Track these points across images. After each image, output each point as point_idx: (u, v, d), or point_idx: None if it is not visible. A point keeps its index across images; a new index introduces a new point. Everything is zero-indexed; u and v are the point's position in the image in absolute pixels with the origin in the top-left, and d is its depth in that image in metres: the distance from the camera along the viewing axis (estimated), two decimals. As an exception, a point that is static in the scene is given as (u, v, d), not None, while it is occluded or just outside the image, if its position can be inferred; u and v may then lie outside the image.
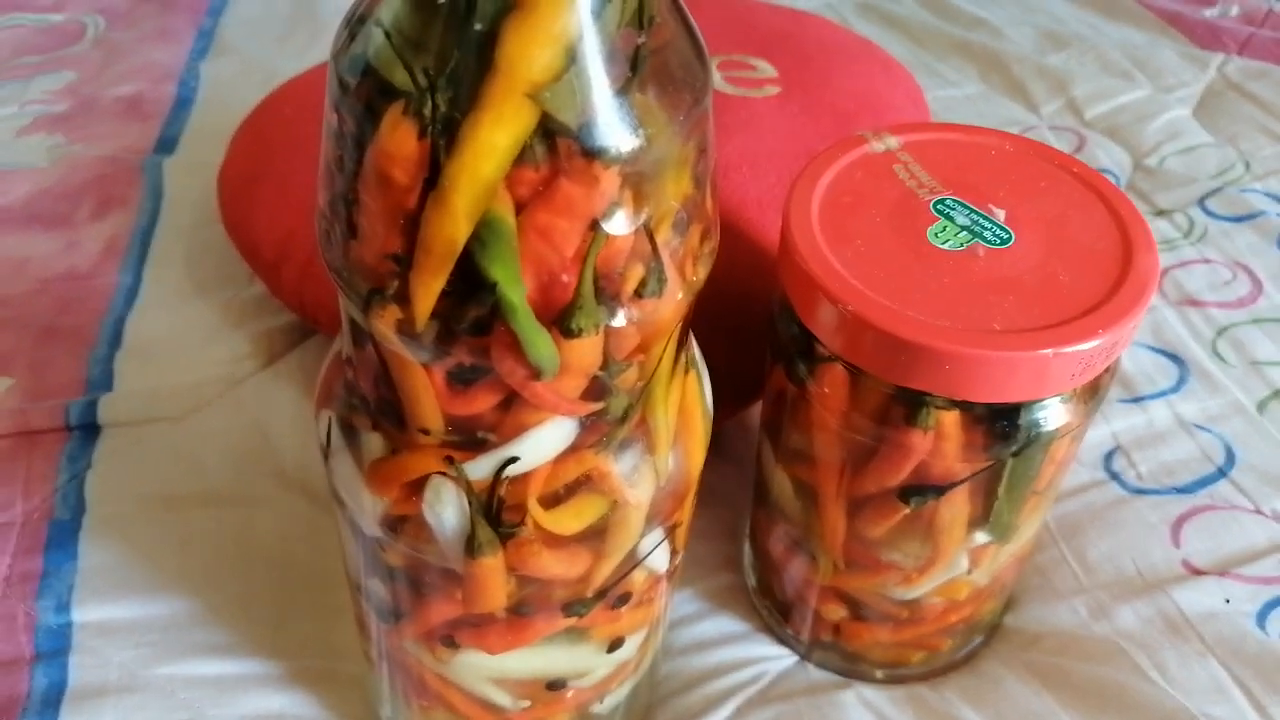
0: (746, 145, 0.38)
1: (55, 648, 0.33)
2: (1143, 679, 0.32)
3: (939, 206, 0.27)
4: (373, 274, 0.20)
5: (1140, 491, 0.37)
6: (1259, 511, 0.36)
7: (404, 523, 0.23)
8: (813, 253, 0.26)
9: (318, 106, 0.20)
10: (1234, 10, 0.62)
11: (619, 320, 0.20)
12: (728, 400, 0.37)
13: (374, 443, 0.23)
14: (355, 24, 0.19)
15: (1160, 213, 0.49)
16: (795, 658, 0.35)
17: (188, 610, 0.34)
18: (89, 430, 0.40)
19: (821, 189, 0.27)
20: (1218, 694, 0.31)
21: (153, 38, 0.66)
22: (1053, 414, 0.26)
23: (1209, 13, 0.63)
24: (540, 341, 0.19)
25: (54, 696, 0.32)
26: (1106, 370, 0.27)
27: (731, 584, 0.36)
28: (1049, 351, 0.23)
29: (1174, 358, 0.42)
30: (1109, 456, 0.39)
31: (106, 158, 0.55)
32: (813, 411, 0.28)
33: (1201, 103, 0.56)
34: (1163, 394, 0.40)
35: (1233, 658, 0.32)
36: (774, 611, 0.35)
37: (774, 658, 0.34)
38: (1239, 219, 0.48)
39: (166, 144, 0.56)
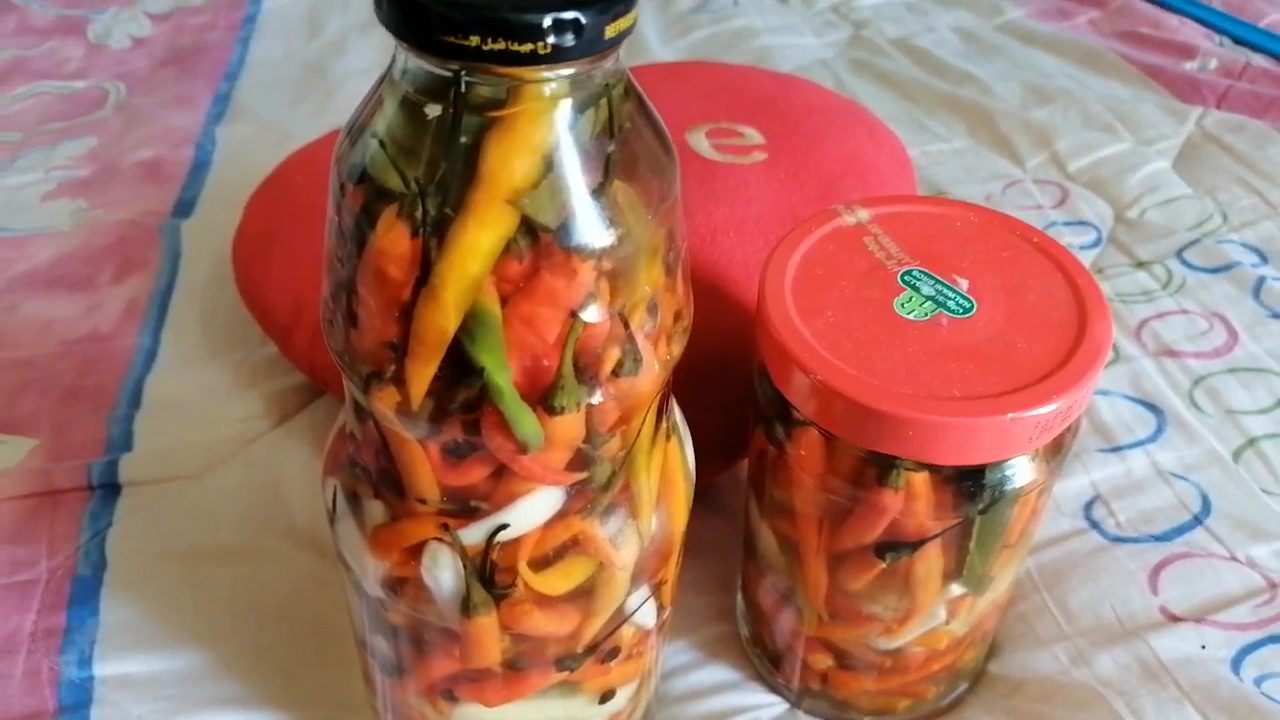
0: (733, 212, 0.40)
1: (78, 701, 0.34)
2: (1120, 724, 0.33)
3: (906, 277, 0.29)
4: (371, 359, 0.22)
5: (1119, 540, 0.39)
6: (1234, 559, 0.38)
7: (404, 584, 0.25)
8: (785, 324, 0.27)
9: (326, 174, 0.22)
10: (1213, 64, 0.64)
11: (598, 398, 0.21)
12: (717, 457, 0.39)
13: (375, 510, 0.24)
14: (355, 133, 0.21)
15: (1140, 264, 0.50)
16: (786, 705, 0.36)
17: (202, 664, 0.36)
18: (110, 489, 0.42)
19: (795, 261, 0.29)
20: (1192, 739, 0.32)
21: (171, 103, 0.69)
22: (1017, 473, 0.27)
23: (1189, 66, 0.65)
24: (526, 420, 0.21)
25: (76, 749, 0.33)
26: (1068, 430, 0.28)
27: (725, 634, 0.38)
28: (1007, 416, 0.25)
29: (1152, 407, 0.43)
30: (1089, 505, 0.40)
31: (126, 221, 0.57)
32: (791, 472, 0.30)
33: (1181, 155, 0.58)
34: (1141, 444, 0.42)
35: (1207, 703, 0.33)
36: (765, 661, 0.36)
37: (766, 705, 0.36)
38: (1215, 270, 0.49)
39: (184, 207, 0.59)
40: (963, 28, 0.73)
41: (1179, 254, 0.50)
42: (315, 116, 0.66)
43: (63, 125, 0.67)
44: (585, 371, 0.21)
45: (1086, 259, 0.51)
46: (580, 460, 0.23)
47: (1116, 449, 0.42)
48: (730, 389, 0.35)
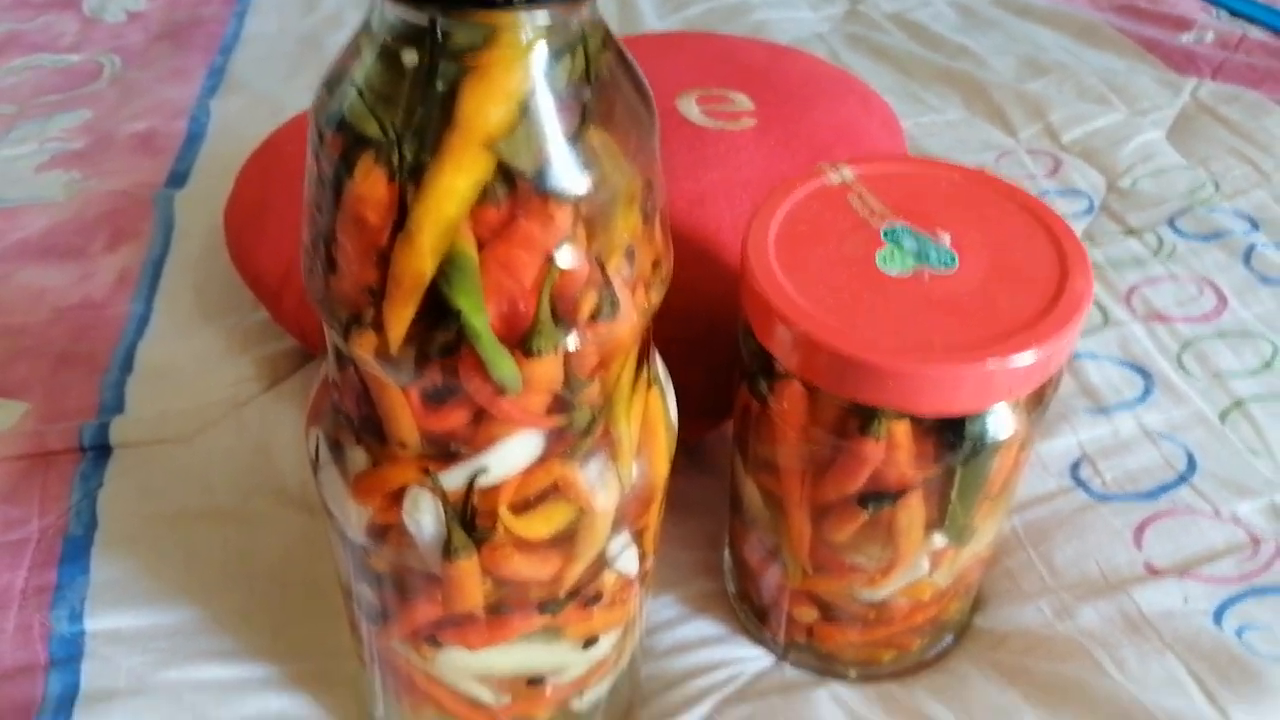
0: (723, 177, 0.40)
1: (68, 655, 0.35)
2: (1102, 675, 0.33)
3: (888, 233, 0.29)
4: (351, 304, 0.22)
5: (1105, 498, 0.39)
6: (1218, 515, 0.38)
7: (387, 531, 0.25)
8: (768, 278, 0.27)
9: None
10: (1209, 36, 0.64)
11: (576, 342, 0.22)
12: (704, 416, 0.39)
13: (358, 457, 0.25)
14: (333, 83, 0.21)
15: (1131, 232, 0.50)
16: (772, 659, 0.36)
17: (193, 619, 0.36)
18: (101, 451, 0.42)
19: (779, 219, 0.29)
20: (1173, 687, 0.33)
21: (166, 76, 0.69)
22: (997, 424, 0.27)
23: (1185, 38, 0.65)
24: (503, 362, 0.21)
25: (67, 700, 0.34)
26: (1049, 384, 0.29)
27: (712, 590, 0.38)
28: (987, 366, 0.25)
29: (1140, 370, 0.43)
30: (1076, 465, 0.40)
31: (120, 192, 0.57)
32: (775, 425, 0.30)
33: (1175, 126, 0.58)
34: (1128, 405, 0.42)
35: (1189, 653, 0.34)
36: (752, 615, 0.37)
37: (752, 658, 0.36)
38: (1207, 237, 0.49)
39: (177, 178, 0.59)
40: (959, 2, 0.73)
41: (1170, 222, 0.50)
42: (310, 90, 0.65)
43: (58, 98, 0.67)
44: (562, 316, 0.21)
45: (1078, 227, 0.51)
46: (559, 404, 0.23)
47: (1104, 410, 0.42)
48: (718, 350, 0.35)
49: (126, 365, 0.46)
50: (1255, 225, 0.50)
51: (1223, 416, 0.42)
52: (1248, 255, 0.48)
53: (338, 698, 0.35)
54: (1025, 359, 0.25)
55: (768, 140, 0.42)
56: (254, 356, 0.46)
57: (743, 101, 0.44)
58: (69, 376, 0.46)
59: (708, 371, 0.35)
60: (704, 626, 0.37)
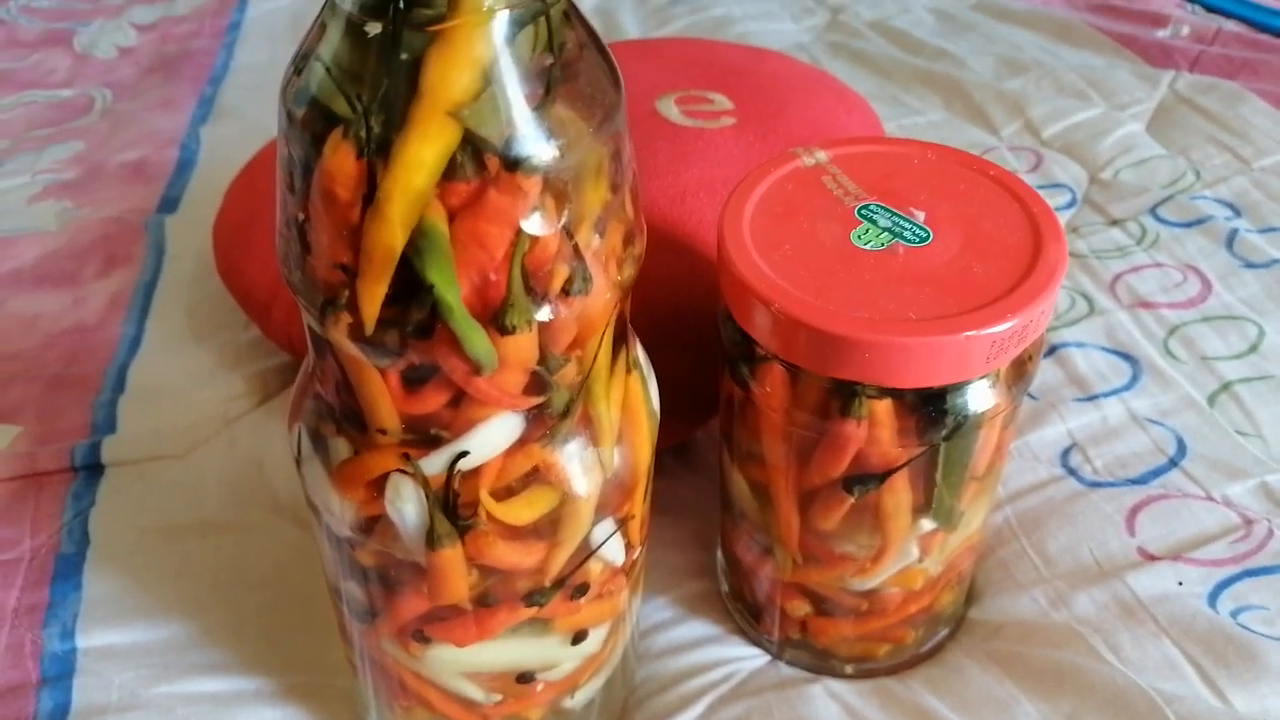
0: (703, 173, 0.40)
1: (60, 672, 0.35)
2: (1098, 660, 0.33)
3: (863, 211, 0.29)
4: (326, 286, 0.22)
5: (1096, 485, 0.39)
6: (1210, 498, 0.38)
7: (371, 523, 0.25)
8: (744, 260, 0.28)
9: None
10: (1185, 30, 0.65)
11: (549, 315, 0.22)
12: (691, 412, 0.39)
13: (340, 447, 0.25)
14: (300, 61, 0.21)
15: (1114, 222, 0.51)
16: (767, 657, 0.36)
17: (186, 633, 0.36)
18: (94, 470, 0.42)
19: (754, 202, 0.30)
20: (1170, 671, 0.32)
21: (156, 106, 0.70)
22: (977, 397, 0.27)
23: (1161, 34, 0.65)
24: (477, 338, 0.21)
25: (59, 717, 0.33)
26: (1029, 356, 0.29)
27: (705, 590, 0.38)
28: (962, 335, 0.25)
29: (1127, 357, 0.43)
30: (1066, 453, 0.40)
31: (112, 219, 0.58)
32: (758, 412, 0.30)
33: (1154, 118, 0.58)
34: (1116, 392, 0.42)
35: (1184, 636, 0.33)
36: (746, 614, 0.36)
37: (747, 658, 0.36)
38: (1189, 224, 0.50)
39: (169, 204, 0.59)
40: (938, 8, 0.73)
41: (1152, 210, 0.51)
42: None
43: (49, 131, 0.68)
44: (535, 290, 0.22)
45: (1061, 220, 0.51)
46: (536, 384, 0.23)
47: (1092, 398, 0.42)
48: (702, 346, 0.35)
49: (119, 385, 0.46)
50: (1237, 211, 0.50)
51: (1211, 400, 0.41)
52: (1230, 240, 0.49)
53: (332, 710, 0.34)
54: (1002, 327, 0.25)
55: (746, 137, 0.42)
56: (245, 373, 0.46)
57: (722, 101, 0.44)
58: (61, 399, 0.46)
59: (693, 366, 0.35)
60: (698, 627, 0.37)
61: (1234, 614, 0.34)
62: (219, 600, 0.37)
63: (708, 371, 0.35)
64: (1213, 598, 0.34)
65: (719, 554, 0.38)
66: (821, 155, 0.31)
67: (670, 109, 0.44)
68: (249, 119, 0.68)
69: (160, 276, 0.53)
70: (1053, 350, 0.44)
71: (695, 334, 0.36)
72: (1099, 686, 0.32)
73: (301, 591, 0.37)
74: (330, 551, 0.27)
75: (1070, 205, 0.52)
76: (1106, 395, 0.42)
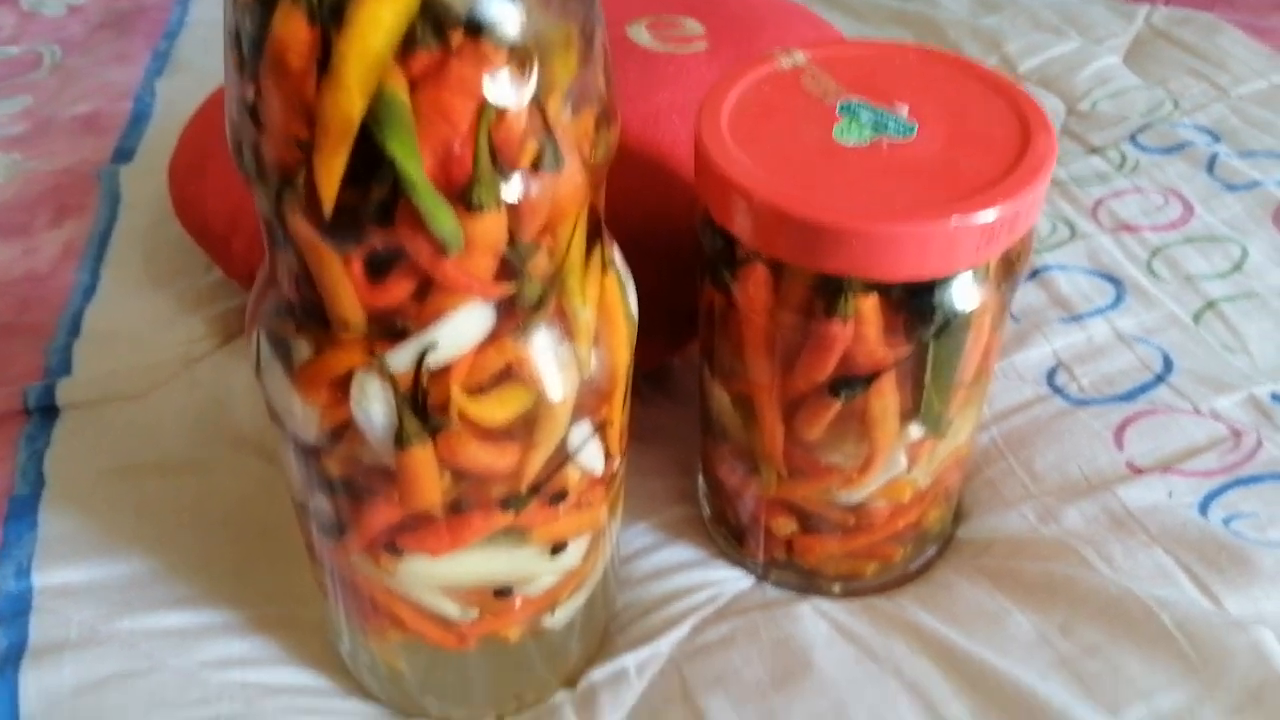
0: (675, 96, 0.39)
1: (15, 610, 0.33)
2: (1090, 570, 0.32)
3: (844, 108, 0.28)
4: (281, 167, 0.21)
5: (1083, 403, 0.38)
6: (1198, 412, 0.37)
7: (338, 429, 0.24)
8: (723, 155, 0.27)
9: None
10: (1158, -36, 0.64)
11: (517, 192, 0.21)
12: (669, 334, 0.38)
13: (301, 348, 0.23)
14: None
15: (1093, 150, 0.50)
16: (752, 580, 0.35)
17: (148, 569, 0.35)
18: (47, 413, 0.40)
19: (731, 101, 0.28)
20: (1163, 578, 0.32)
21: (109, 61, 0.68)
22: (966, 293, 0.27)
23: (1135, -31, 0.65)
24: (442, 214, 0.20)
25: (14, 655, 0.32)
26: (1018, 254, 0.28)
27: (687, 515, 0.37)
28: (951, 223, 0.24)
29: (1110, 278, 0.43)
30: (1051, 373, 0.39)
31: (63, 170, 0.56)
32: (741, 318, 0.29)
33: (1130, 51, 0.58)
34: (1100, 311, 0.41)
35: (1176, 545, 0.33)
36: (729, 537, 0.36)
37: (731, 580, 0.35)
38: (1169, 150, 0.49)
39: (123, 154, 0.57)
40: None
41: (1132, 138, 0.50)
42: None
43: (-4, 86, 0.65)
44: (503, 165, 0.20)
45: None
46: (506, 270, 0.22)
47: (1077, 318, 0.41)
48: (679, 266, 0.34)
49: (73, 330, 0.44)
50: (1216, 137, 0.50)
51: (1196, 317, 0.41)
52: (1210, 165, 0.48)
53: (301, 639, 0.33)
54: (992, 214, 0.25)
55: (719, 61, 0.41)
56: (205, 315, 0.44)
57: (693, 27, 0.43)
58: (13, 345, 0.44)
59: (669, 287, 0.34)
60: (681, 552, 0.36)
61: (1225, 521, 0.33)
62: (182, 536, 0.36)
63: (684, 292, 0.34)
64: (1203, 507, 0.34)
65: (700, 480, 0.37)
66: (800, 57, 0.30)
67: (641, 34, 0.42)
68: (206, 72, 0.65)
69: (115, 225, 0.51)
70: (1035, 274, 0.43)
71: (671, 254, 0.35)
72: (1092, 595, 0.32)
73: (267, 525, 0.36)
74: (296, 466, 0.26)
75: (1048, 135, 0.52)
76: (1091, 315, 0.41)
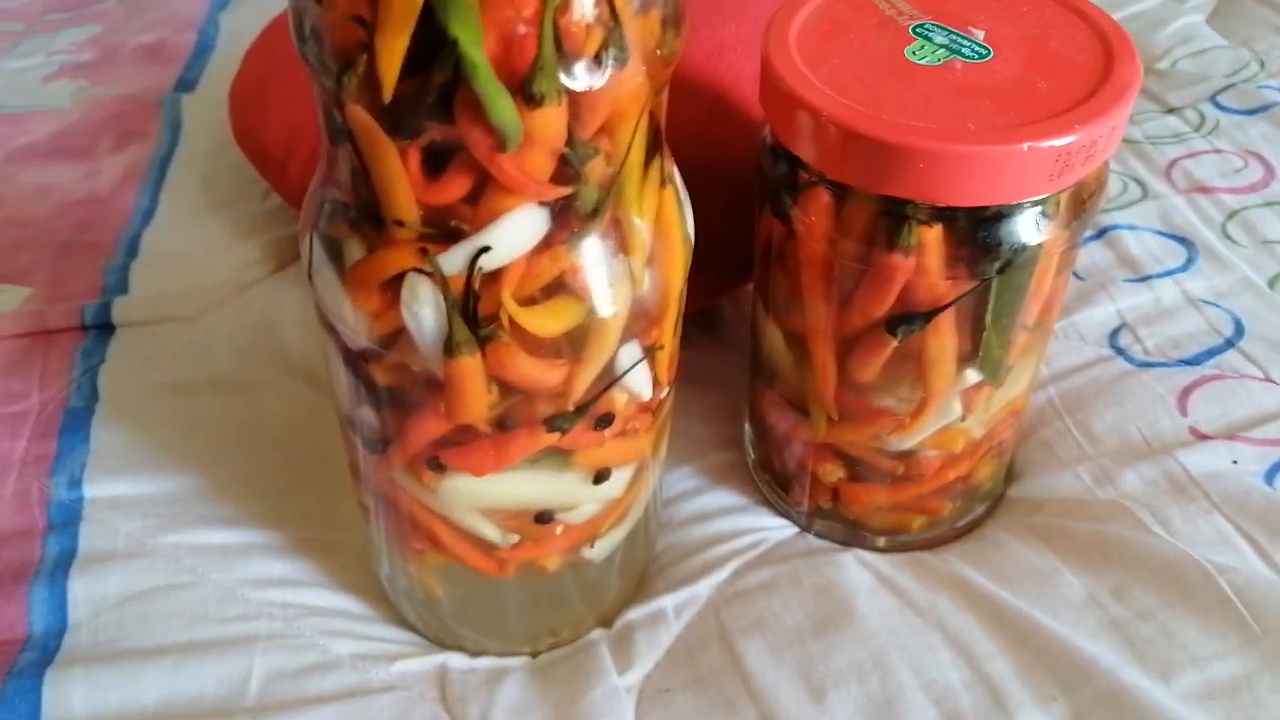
0: (741, 28, 0.38)
1: (66, 519, 0.34)
2: (1146, 533, 0.31)
3: (918, 29, 0.27)
4: (342, 50, 0.20)
5: (1146, 365, 0.37)
6: (1268, 379, 0.36)
7: (388, 337, 0.23)
8: (790, 70, 0.26)
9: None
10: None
11: (580, 84, 0.20)
12: (723, 271, 0.38)
13: (354, 248, 0.23)
14: None
15: (1171, 110, 0.48)
16: (795, 529, 0.34)
17: (194, 486, 0.35)
18: (103, 330, 0.41)
19: (800, 20, 0.28)
20: (1223, 544, 0.31)
21: (175, -7, 0.68)
22: (1033, 228, 0.26)
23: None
24: (502, 103, 0.20)
25: (65, 561, 0.32)
26: (1090, 195, 0.27)
27: (731, 462, 0.36)
28: (1023, 146, 0.23)
29: (1182, 240, 0.41)
30: (1115, 333, 0.38)
31: (127, 96, 0.56)
32: (800, 247, 0.28)
33: (1216, 10, 0.55)
34: (1170, 273, 0.40)
35: (1239, 512, 0.32)
36: (774, 486, 0.35)
37: (774, 528, 0.34)
38: (1252, 111, 0.47)
39: (186, 84, 0.58)
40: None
41: (1212, 98, 0.48)
42: None
43: (64, 15, 0.66)
44: (567, 55, 0.20)
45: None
46: (563, 172, 0.21)
47: (1144, 279, 0.40)
48: (737, 202, 0.33)
49: (131, 251, 0.45)
50: (1304, 101, 0.48)
51: (1272, 283, 0.39)
52: (1297, 128, 0.46)
53: (341, 563, 0.33)
54: (1067, 139, 0.23)
55: (788, -5, 0.40)
56: (260, 241, 0.45)
57: (762, -38, 0.42)
58: (73, 263, 0.45)
59: (726, 223, 0.33)
60: (724, 497, 0.35)
61: (1292, 491, 0.32)
62: (229, 456, 0.36)
63: (740, 231, 0.33)
64: (1270, 476, 0.33)
65: (746, 427, 0.36)
66: (873, -23, 0.29)
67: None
68: (269, 5, 0.65)
69: (176, 151, 0.52)
70: (1103, 232, 0.42)
71: (730, 191, 0.34)
72: (1147, 558, 0.31)
73: (314, 451, 0.36)
74: (344, 375, 0.26)
75: (1124, 95, 0.50)
76: (1159, 276, 0.40)
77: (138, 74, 0.59)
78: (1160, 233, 0.42)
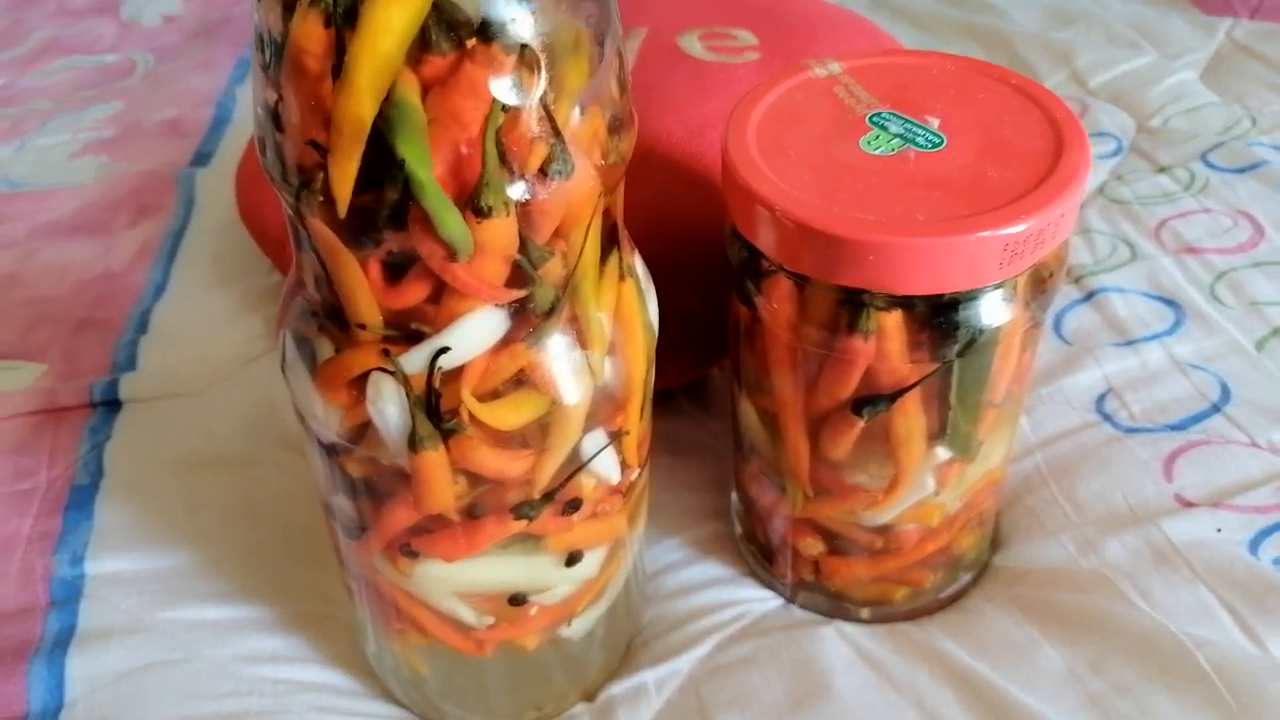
0: (723, 107, 0.39)
1: (68, 596, 0.35)
2: (1127, 605, 0.31)
3: (874, 119, 0.28)
4: (300, 168, 0.21)
5: (1132, 430, 0.37)
6: (1255, 444, 0.36)
7: (357, 430, 0.24)
8: (747, 165, 0.26)
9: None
10: (1245, -22, 0.62)
11: (525, 194, 0.21)
12: (705, 349, 0.38)
13: (323, 347, 0.24)
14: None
15: (1161, 169, 0.48)
16: (780, 600, 0.35)
17: (192, 562, 0.36)
18: (112, 406, 0.42)
19: (761, 110, 0.28)
20: (1204, 616, 0.31)
21: (195, 68, 0.70)
22: (991, 310, 0.26)
23: (1220, -18, 0.62)
24: (450, 218, 0.21)
25: (64, 638, 0.33)
26: (1050, 273, 0.27)
27: (718, 533, 0.37)
28: (973, 236, 0.24)
29: (1170, 302, 0.41)
30: (1101, 399, 0.38)
31: (145, 172, 0.58)
32: (765, 332, 0.29)
33: (1209, 67, 0.56)
34: (1157, 336, 0.40)
35: (1221, 582, 0.31)
36: (759, 556, 0.35)
37: (758, 600, 0.35)
38: (1241, 170, 0.47)
39: (202, 158, 0.60)
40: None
41: (1203, 156, 0.48)
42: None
43: (92, 93, 0.69)
44: (512, 170, 0.21)
45: (1105, 168, 0.49)
46: (518, 276, 0.22)
47: (1131, 343, 0.40)
48: (718, 279, 0.34)
49: (141, 327, 0.46)
50: (1295, 158, 0.48)
51: (1259, 345, 0.39)
52: (1287, 186, 0.46)
53: (332, 639, 0.34)
54: (1016, 229, 0.24)
55: (769, 71, 0.41)
56: (265, 315, 0.46)
57: (746, 37, 0.43)
58: (85, 340, 0.46)
59: (708, 301, 0.34)
60: (710, 569, 0.36)
61: (1277, 561, 0.32)
62: (226, 531, 0.37)
63: (724, 304, 0.34)
64: (1254, 545, 0.32)
65: (733, 496, 0.37)
66: (835, 66, 0.30)
67: (693, 45, 0.42)
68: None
69: (189, 226, 0.53)
70: (1090, 295, 0.42)
71: (711, 267, 0.35)
72: (1125, 631, 0.31)
73: (308, 524, 0.37)
74: (320, 464, 0.27)
75: (1116, 153, 0.50)
76: (1147, 340, 0.40)
77: (157, 149, 0.61)
78: (1148, 295, 0.42)
